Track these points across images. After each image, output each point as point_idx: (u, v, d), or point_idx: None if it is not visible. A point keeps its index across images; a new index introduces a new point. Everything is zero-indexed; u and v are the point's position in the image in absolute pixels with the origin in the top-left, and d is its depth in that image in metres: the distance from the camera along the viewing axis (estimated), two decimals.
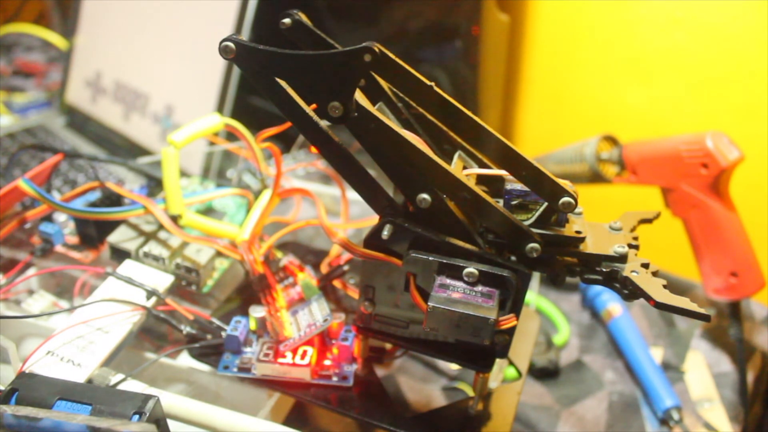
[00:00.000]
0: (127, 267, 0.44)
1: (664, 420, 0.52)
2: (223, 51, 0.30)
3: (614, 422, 0.53)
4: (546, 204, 0.32)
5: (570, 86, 0.89)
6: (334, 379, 0.41)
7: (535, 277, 0.66)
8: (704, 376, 0.58)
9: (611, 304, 0.62)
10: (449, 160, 0.36)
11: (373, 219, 0.35)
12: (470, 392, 0.51)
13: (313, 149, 0.33)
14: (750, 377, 0.58)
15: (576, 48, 0.86)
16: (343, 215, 0.52)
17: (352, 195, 0.41)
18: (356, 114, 0.30)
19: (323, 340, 0.42)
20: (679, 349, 0.61)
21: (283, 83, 0.31)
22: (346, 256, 0.48)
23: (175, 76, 0.75)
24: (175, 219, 0.45)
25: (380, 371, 0.43)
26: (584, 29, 0.84)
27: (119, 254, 0.46)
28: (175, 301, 0.43)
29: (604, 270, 0.32)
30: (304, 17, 0.35)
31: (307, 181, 0.74)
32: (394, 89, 0.36)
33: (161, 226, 0.46)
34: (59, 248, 0.49)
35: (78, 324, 0.39)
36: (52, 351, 0.38)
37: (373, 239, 0.33)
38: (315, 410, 0.49)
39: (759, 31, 0.70)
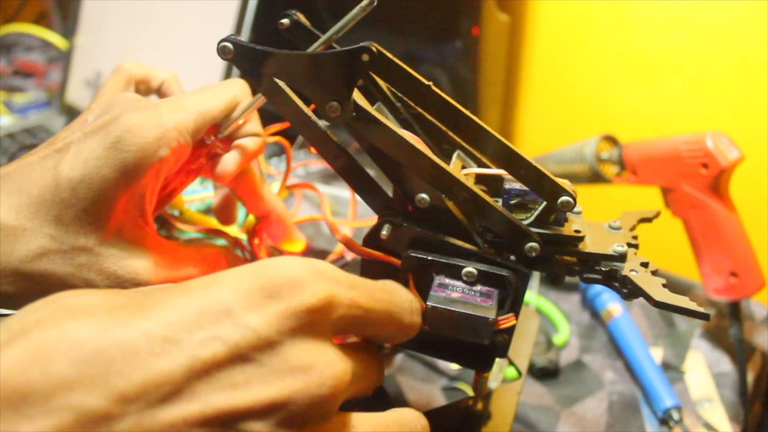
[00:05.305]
0: None
1: (664, 420, 0.52)
2: (221, 51, 0.30)
3: (614, 422, 0.53)
4: (545, 203, 0.32)
5: (570, 86, 0.89)
6: None
7: (535, 277, 0.66)
8: (704, 376, 0.58)
9: (611, 304, 0.62)
10: (448, 160, 0.36)
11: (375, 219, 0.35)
12: (470, 392, 0.51)
13: (313, 149, 0.33)
14: (750, 377, 0.58)
15: (576, 48, 0.86)
16: (351, 213, 0.52)
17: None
18: (355, 114, 0.30)
19: None
20: (679, 349, 0.61)
21: (281, 83, 0.31)
22: (351, 255, 0.48)
23: None
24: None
25: None
26: (584, 29, 0.84)
27: None
28: None
29: (603, 269, 0.32)
30: (302, 18, 0.35)
31: (307, 181, 0.74)
32: (393, 89, 0.36)
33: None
34: None
35: None
36: None
37: (372, 239, 0.33)
38: None
39: (759, 30, 0.70)
